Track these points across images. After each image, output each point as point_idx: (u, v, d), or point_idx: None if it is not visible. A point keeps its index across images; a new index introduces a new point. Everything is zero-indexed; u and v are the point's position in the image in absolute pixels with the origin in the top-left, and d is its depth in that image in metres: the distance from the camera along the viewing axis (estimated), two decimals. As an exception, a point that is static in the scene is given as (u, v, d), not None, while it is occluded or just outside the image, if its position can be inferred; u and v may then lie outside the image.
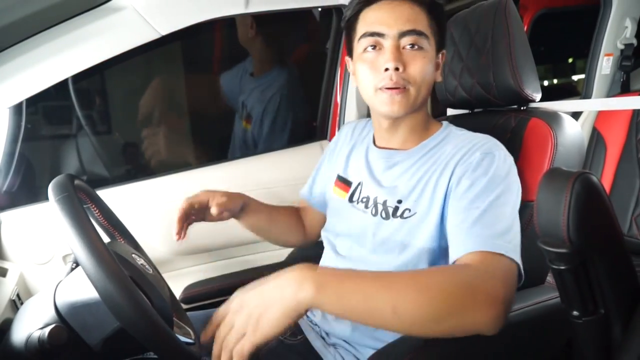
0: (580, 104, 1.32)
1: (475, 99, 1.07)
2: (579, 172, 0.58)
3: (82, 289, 0.70)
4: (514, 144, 0.96)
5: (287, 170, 1.39)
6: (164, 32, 1.07)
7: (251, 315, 0.61)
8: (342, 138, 1.10)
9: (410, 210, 0.84)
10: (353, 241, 0.93)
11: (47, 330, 0.65)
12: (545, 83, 3.43)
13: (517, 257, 0.72)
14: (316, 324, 0.96)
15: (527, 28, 2.09)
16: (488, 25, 1.00)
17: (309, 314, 0.99)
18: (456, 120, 1.18)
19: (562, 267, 0.60)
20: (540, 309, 0.79)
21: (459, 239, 0.75)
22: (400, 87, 0.83)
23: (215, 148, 1.94)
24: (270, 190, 1.33)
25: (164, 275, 1.26)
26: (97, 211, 0.89)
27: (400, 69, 0.82)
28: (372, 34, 0.84)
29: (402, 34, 0.83)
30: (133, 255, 0.81)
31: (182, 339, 0.78)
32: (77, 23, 1.01)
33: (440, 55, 0.91)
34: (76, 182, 0.81)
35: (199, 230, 1.30)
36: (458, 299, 0.64)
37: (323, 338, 0.93)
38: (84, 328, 0.69)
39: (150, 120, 1.70)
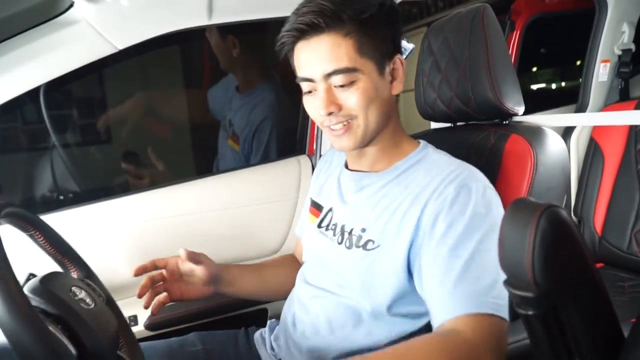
0: (568, 119, 1.25)
1: (455, 112, 1.00)
2: (545, 205, 0.51)
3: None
4: (493, 162, 0.89)
5: (263, 187, 1.33)
6: (121, 46, 1.01)
7: None
8: (324, 165, 1.02)
9: (373, 242, 0.77)
10: (320, 270, 0.87)
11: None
12: (553, 86, 3.33)
13: (506, 312, 0.67)
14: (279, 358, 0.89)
15: (519, 33, 2.01)
16: (465, 35, 0.94)
17: (274, 345, 0.92)
18: (437, 135, 1.12)
19: (529, 313, 0.53)
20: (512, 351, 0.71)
21: (443, 299, 0.68)
22: (343, 125, 0.78)
23: (200, 165, 1.88)
24: (241, 209, 1.27)
25: (126, 301, 1.20)
26: (41, 238, 0.83)
27: (335, 111, 0.76)
28: (304, 80, 0.78)
29: (328, 76, 0.75)
30: (73, 288, 0.74)
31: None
32: (26, 39, 0.95)
33: (391, 64, 0.80)
34: (12, 209, 0.75)
35: (168, 251, 1.24)
36: None
37: None
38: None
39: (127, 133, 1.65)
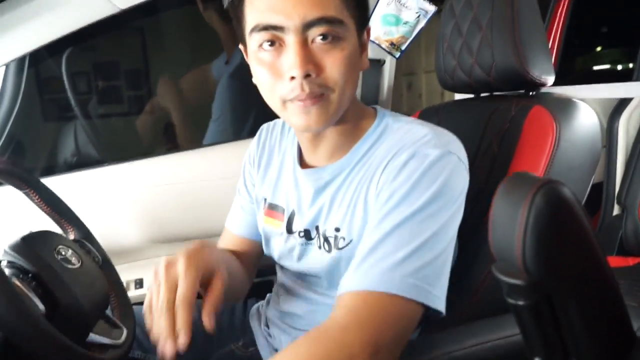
0: (606, 89, 1.10)
1: (476, 81, 0.91)
2: (545, 180, 0.44)
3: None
4: (510, 138, 0.80)
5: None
6: (123, 6, 0.98)
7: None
8: (259, 151, 0.86)
9: (344, 239, 0.68)
10: (304, 277, 0.79)
11: None
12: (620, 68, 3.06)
13: (421, 294, 0.57)
14: (271, 336, 0.86)
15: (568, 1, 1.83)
16: (490, -10, 0.84)
17: (267, 323, 0.89)
18: (456, 106, 1.03)
19: (519, 303, 0.46)
20: (508, 345, 0.64)
21: (349, 272, 0.60)
22: (316, 97, 0.62)
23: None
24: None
25: (133, 264, 1.21)
26: (37, 197, 0.83)
27: (313, 75, 0.60)
28: (266, 28, 0.60)
29: (308, 25, 0.59)
30: (59, 247, 0.74)
31: (100, 339, 0.71)
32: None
33: (365, 33, 0.68)
34: (4, 166, 0.74)
35: (174, 218, 1.24)
36: None
37: (275, 351, 0.83)
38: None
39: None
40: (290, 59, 0.60)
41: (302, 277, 0.79)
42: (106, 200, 1.19)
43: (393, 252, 0.57)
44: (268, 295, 0.95)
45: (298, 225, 0.76)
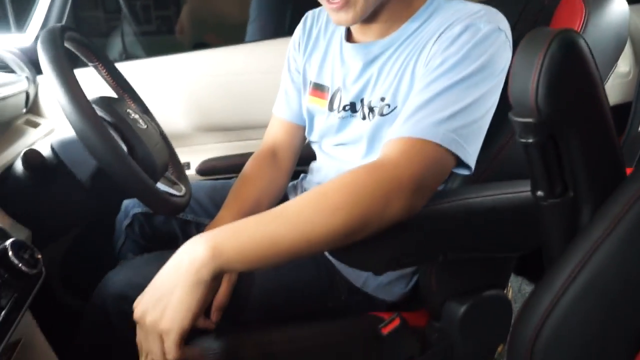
0: None
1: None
2: (560, 29, 0.50)
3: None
4: (544, 21, 0.84)
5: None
6: None
7: (155, 315, 0.57)
8: (305, 37, 0.92)
9: (389, 105, 0.76)
10: (347, 149, 0.86)
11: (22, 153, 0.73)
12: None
13: (458, 148, 0.65)
14: None
15: None
16: None
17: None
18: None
19: (529, 141, 0.55)
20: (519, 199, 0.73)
21: (397, 123, 0.67)
22: (338, 3, 0.69)
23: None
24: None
25: (180, 150, 1.34)
26: (104, 70, 0.93)
27: None
28: None
29: None
30: (129, 110, 0.85)
31: (166, 188, 0.83)
32: None
33: None
34: (75, 35, 0.83)
35: (218, 109, 1.34)
36: (369, 207, 0.60)
37: None
38: (74, 163, 0.75)
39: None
40: None
41: (341, 149, 0.87)
42: (156, 89, 1.29)
43: (440, 110, 0.65)
44: (302, 174, 1.04)
45: (343, 100, 0.83)
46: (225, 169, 1.27)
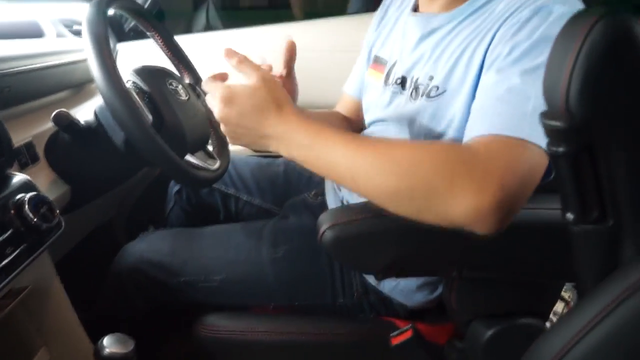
0: None
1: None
2: (608, 9, 0.39)
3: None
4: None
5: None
6: None
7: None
8: (382, 12, 0.90)
9: (438, 87, 0.68)
10: (388, 127, 0.81)
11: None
12: None
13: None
14: (340, 189, 0.92)
15: None
16: None
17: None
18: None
19: (559, 150, 0.44)
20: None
21: (474, 119, 0.60)
22: None
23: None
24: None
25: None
26: (160, 40, 0.96)
27: None
28: None
29: None
30: (171, 81, 0.86)
31: (196, 161, 0.84)
32: None
33: None
34: (128, 4, 0.86)
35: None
36: (427, 179, 0.53)
37: (341, 203, 0.90)
38: (110, 127, 0.79)
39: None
40: None
41: (382, 126, 0.82)
42: (214, 62, 1.31)
43: (523, 101, 0.57)
44: None
45: (397, 73, 0.79)
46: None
